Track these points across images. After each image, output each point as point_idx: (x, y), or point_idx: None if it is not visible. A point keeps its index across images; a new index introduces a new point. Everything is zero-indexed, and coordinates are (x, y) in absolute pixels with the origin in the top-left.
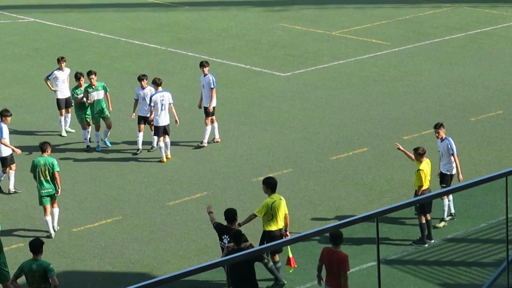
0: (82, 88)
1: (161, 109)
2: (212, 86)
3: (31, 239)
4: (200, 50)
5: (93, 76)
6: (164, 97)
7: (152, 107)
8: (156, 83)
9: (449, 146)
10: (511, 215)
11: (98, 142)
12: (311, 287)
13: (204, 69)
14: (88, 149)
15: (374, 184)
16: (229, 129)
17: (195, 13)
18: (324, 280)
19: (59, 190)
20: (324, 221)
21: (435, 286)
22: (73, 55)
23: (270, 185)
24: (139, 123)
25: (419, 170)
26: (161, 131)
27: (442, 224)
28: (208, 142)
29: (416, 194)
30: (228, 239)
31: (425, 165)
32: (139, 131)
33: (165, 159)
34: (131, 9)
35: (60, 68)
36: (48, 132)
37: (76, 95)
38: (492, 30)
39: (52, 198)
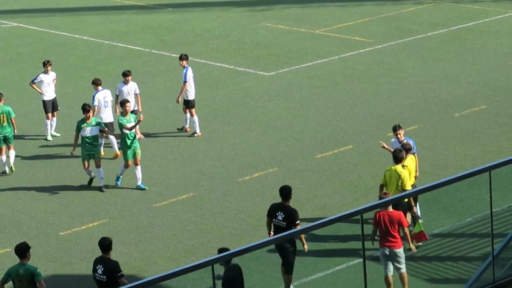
0: (90, 122)
1: (105, 107)
2: (184, 80)
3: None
4: (184, 52)
5: (128, 104)
6: (106, 94)
7: (96, 106)
8: (96, 83)
9: (413, 146)
10: (495, 209)
11: (120, 174)
12: (300, 285)
13: (181, 62)
14: (90, 184)
15: (360, 182)
16: (214, 130)
17: (178, 14)
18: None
19: (15, 131)
20: (311, 219)
21: (422, 281)
22: (57, 59)
23: (393, 155)
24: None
25: (403, 166)
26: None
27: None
28: (178, 129)
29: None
30: (283, 216)
31: (409, 161)
32: None
33: (118, 152)
34: (114, 12)
35: (45, 72)
36: (33, 136)
37: (80, 128)
38: (474, 25)
39: (8, 141)
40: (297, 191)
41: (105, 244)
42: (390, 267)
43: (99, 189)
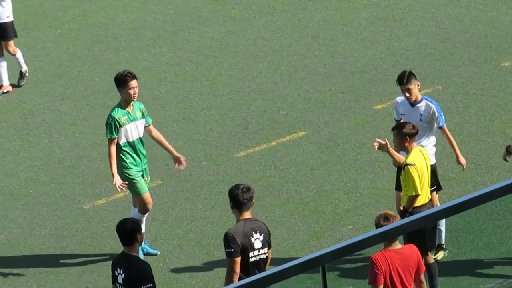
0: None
1: None
2: None
3: None
4: None
5: (132, 84)
6: None
7: None
8: None
9: (436, 113)
10: None
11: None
12: None
13: None
14: None
15: (322, 201)
16: (35, 114)
17: None
18: None
19: None
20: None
21: None
22: None
23: None
24: None
25: (406, 165)
26: None
27: (441, 255)
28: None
29: (403, 214)
30: (262, 238)
31: (417, 157)
32: None
33: None
34: None
35: None
36: None
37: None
38: None
39: None
40: (202, 224)
41: (126, 230)
42: None
43: None
